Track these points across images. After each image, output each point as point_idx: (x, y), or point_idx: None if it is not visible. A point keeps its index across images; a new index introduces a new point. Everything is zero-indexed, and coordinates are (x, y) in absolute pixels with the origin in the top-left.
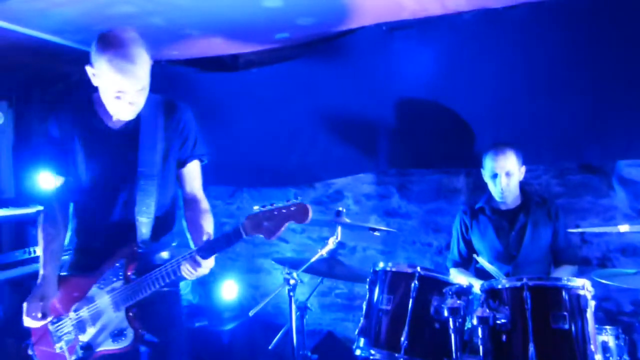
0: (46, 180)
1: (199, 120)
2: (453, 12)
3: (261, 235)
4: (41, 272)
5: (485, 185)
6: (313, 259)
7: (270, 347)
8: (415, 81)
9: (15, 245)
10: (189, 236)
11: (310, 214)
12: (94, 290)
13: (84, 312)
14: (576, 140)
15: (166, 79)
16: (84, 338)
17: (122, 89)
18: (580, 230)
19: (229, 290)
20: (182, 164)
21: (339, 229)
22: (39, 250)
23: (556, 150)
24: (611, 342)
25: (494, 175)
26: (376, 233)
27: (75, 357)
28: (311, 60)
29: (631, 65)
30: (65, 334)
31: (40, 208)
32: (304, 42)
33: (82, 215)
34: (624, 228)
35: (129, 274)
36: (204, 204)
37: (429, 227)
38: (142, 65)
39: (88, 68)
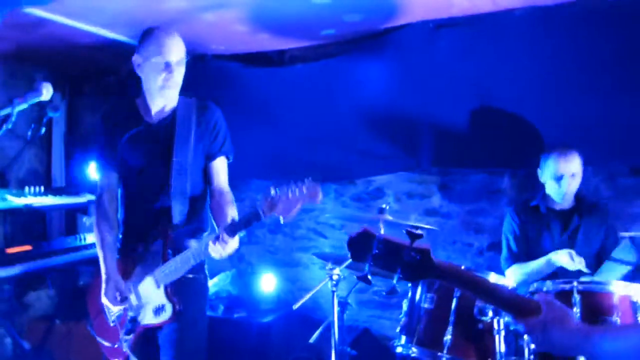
0: (96, 170)
1: (242, 114)
2: (504, 9)
3: (277, 214)
4: (102, 264)
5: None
6: None
7: (311, 341)
8: (461, 79)
9: (66, 232)
10: (214, 224)
11: (320, 195)
12: (138, 270)
13: (131, 291)
14: (629, 142)
15: (211, 73)
16: (131, 313)
17: (165, 60)
18: (632, 234)
19: (268, 283)
20: (211, 158)
21: (382, 225)
22: (93, 239)
23: (607, 152)
24: None
25: (560, 177)
26: (419, 232)
27: (125, 329)
28: (356, 57)
29: None
30: (117, 310)
31: (91, 197)
32: (349, 38)
33: (127, 204)
34: None
35: (166, 254)
36: (229, 196)
37: (470, 227)
38: (179, 41)
39: (135, 57)
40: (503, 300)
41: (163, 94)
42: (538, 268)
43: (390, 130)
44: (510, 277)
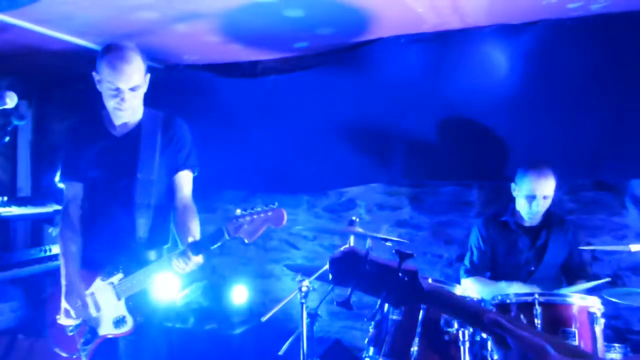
0: (59, 181)
1: (215, 124)
2: (472, 26)
3: (242, 236)
4: (64, 273)
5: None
6: (326, 267)
7: (280, 353)
8: (432, 94)
9: (32, 243)
10: (177, 237)
11: (285, 219)
12: (97, 281)
13: (90, 301)
14: (591, 157)
15: (184, 83)
16: (90, 324)
17: (116, 86)
18: (592, 247)
19: (239, 295)
20: (174, 171)
21: (352, 238)
22: (58, 250)
23: (571, 166)
24: None
25: (533, 197)
26: (388, 244)
27: (84, 339)
28: (329, 70)
29: None
30: (75, 319)
31: (57, 207)
32: (322, 51)
33: (91, 215)
34: (635, 247)
35: (128, 267)
36: (193, 210)
37: (440, 238)
38: (135, 67)
39: (94, 74)
40: (486, 325)
41: (116, 115)
42: (492, 290)
43: (362, 142)
44: (465, 288)
